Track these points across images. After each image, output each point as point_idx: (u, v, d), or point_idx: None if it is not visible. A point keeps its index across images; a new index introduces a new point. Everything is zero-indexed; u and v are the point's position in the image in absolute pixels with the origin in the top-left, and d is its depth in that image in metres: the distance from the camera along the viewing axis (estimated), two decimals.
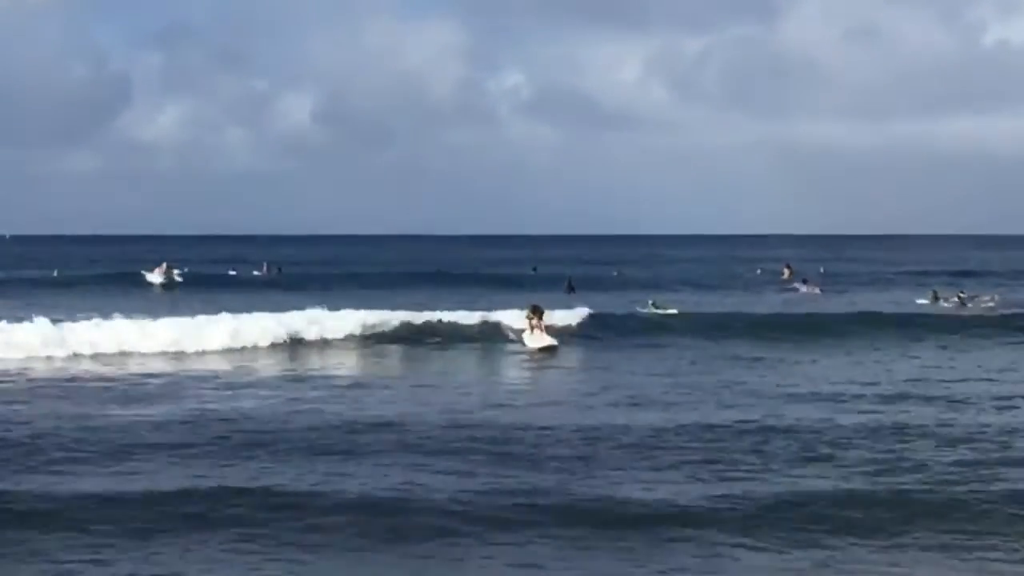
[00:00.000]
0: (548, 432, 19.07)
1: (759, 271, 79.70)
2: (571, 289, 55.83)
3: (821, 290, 59.58)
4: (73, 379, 26.32)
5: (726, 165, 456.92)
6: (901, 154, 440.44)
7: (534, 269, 79.49)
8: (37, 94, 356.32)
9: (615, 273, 75.87)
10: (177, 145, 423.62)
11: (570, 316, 36.97)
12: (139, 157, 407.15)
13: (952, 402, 22.52)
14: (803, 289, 59.86)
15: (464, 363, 30.57)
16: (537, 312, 33.80)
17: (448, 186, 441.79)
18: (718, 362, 29.78)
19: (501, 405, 22.59)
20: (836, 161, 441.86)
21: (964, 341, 34.66)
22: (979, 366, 28.82)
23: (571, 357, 31.59)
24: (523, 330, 33.69)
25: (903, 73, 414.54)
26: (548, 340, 32.85)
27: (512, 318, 35.38)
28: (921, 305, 48.28)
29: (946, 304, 47.91)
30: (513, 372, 29.44)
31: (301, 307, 35.86)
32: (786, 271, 69.07)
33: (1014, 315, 41.47)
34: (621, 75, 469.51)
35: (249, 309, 35.57)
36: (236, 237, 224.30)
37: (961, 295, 49.04)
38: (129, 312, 34.68)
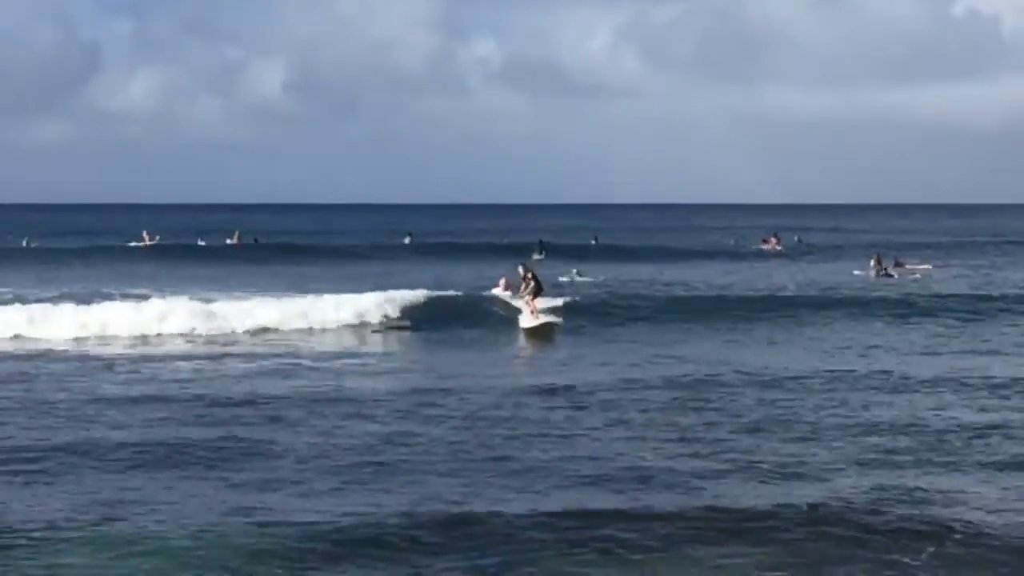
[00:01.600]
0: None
1: (733, 241, 79.36)
2: (543, 251, 54.90)
3: (781, 247, 67.14)
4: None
5: (696, 134, 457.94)
6: (871, 123, 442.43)
7: (505, 239, 79.18)
8: (5, 63, 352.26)
9: (593, 241, 75.25)
10: (147, 114, 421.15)
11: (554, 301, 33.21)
12: (109, 126, 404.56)
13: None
14: (765, 247, 67.94)
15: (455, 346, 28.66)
16: (535, 280, 30.83)
17: (420, 155, 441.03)
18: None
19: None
20: (807, 130, 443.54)
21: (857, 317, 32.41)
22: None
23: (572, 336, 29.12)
24: (522, 289, 30.97)
25: (873, 43, 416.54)
26: (545, 319, 29.99)
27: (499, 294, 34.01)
28: (856, 276, 46.89)
29: (875, 277, 46.28)
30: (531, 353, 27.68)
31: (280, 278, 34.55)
32: (772, 239, 68.82)
33: (922, 293, 38.09)
34: (592, 44, 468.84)
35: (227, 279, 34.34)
36: (207, 206, 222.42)
37: (890, 270, 47.28)
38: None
